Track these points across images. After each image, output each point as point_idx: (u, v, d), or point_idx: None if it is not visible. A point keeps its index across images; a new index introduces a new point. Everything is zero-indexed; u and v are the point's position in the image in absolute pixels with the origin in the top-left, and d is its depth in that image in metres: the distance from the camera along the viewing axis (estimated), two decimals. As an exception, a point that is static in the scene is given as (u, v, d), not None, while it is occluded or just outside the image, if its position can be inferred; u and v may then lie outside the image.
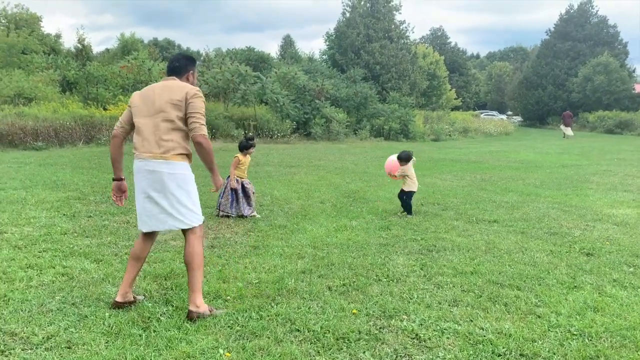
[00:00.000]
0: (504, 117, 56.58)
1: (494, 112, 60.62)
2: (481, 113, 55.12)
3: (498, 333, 3.37)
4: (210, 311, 3.52)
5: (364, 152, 18.42)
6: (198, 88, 3.60)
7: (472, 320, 3.56)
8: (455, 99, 53.79)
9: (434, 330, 3.40)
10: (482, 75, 75.71)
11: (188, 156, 3.58)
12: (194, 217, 3.57)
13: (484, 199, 8.48)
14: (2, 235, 5.39)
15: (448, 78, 52.48)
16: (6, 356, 2.91)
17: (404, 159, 7.30)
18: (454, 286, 4.25)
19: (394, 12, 40.12)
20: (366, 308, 3.72)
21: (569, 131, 31.07)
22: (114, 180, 3.89)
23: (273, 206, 7.52)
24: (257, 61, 34.23)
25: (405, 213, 7.11)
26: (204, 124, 3.49)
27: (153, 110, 3.50)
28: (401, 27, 40.63)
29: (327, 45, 42.23)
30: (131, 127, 3.70)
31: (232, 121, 21.57)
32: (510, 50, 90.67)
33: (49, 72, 24.15)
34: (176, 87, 3.52)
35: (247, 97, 22.60)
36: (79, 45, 34.51)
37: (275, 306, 3.72)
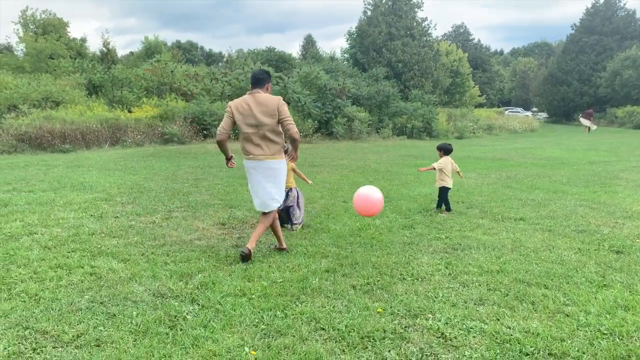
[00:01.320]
0: (528, 113, 55.78)
1: (519, 109, 59.80)
2: (505, 110, 54.45)
3: (525, 332, 3.32)
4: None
5: (386, 150, 18.34)
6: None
7: (498, 319, 3.52)
8: (479, 96, 53.18)
9: (460, 329, 3.37)
10: (506, 72, 74.67)
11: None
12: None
13: (509, 197, 8.36)
14: (32, 236, 5.51)
15: (471, 75, 51.93)
16: (38, 354, 2.98)
17: (446, 150, 7.57)
18: (479, 285, 4.20)
19: (416, 9, 39.85)
20: (391, 307, 3.70)
21: (587, 122, 32.07)
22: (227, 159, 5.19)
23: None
24: (278, 61, 34.32)
25: (445, 210, 7.12)
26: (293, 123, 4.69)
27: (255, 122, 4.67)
28: (423, 25, 40.33)
29: (349, 44, 42.17)
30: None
31: (255, 121, 21.66)
32: (534, 46, 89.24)
33: (75, 75, 24.63)
34: (270, 101, 4.70)
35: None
36: (104, 49, 35.15)
37: (299, 305, 3.73)
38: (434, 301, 3.83)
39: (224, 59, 53.45)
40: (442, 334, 3.30)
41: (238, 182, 9.61)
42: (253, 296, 3.87)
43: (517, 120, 36.97)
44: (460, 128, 28.65)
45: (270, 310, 3.62)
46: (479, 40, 66.95)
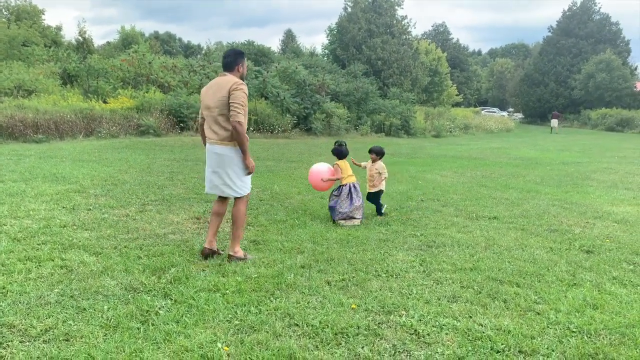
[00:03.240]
0: (504, 114, 56.59)
1: (495, 109, 60.62)
2: (482, 110, 55.11)
3: (497, 329, 3.36)
4: (245, 256, 4.64)
5: (364, 147, 18.33)
6: (242, 81, 4.49)
7: (471, 317, 3.56)
8: (456, 95, 53.71)
9: (433, 326, 3.40)
10: (483, 72, 75.63)
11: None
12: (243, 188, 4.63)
13: (484, 196, 8.47)
14: (1, 228, 5.37)
15: (449, 74, 52.40)
16: (4, 348, 2.91)
17: (382, 153, 7.01)
18: (453, 282, 4.24)
19: (396, 7, 39.99)
20: (365, 303, 3.71)
21: (555, 123, 36.15)
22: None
23: (273, 201, 7.50)
24: (257, 55, 34.13)
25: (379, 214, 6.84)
26: (241, 112, 4.34)
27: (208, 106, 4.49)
28: (403, 23, 40.51)
29: (329, 39, 42.16)
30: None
31: (233, 115, 21.52)
32: (512, 47, 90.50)
33: (49, 64, 24.08)
34: (224, 83, 4.38)
35: (248, 91, 22.56)
36: (80, 37, 34.45)
37: (274, 300, 3.71)
38: (408, 298, 3.86)
39: (203, 52, 52.93)
40: (415, 330, 3.32)
41: (214, 176, 9.54)
42: (227, 291, 3.84)
43: (493, 120, 37.46)
44: (438, 127, 28.89)
45: (244, 305, 3.60)
46: (457, 40, 67.57)
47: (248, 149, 4.50)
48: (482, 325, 3.42)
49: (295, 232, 5.73)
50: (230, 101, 4.31)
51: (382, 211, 6.83)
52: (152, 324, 3.24)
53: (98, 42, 49.43)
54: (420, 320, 3.47)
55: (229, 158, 4.48)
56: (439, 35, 65.42)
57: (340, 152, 6.65)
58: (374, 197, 6.93)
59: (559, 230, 6.22)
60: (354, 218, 6.28)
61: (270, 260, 4.66)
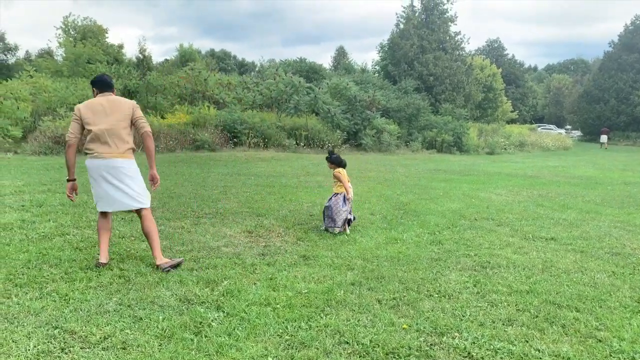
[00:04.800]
0: (562, 131, 54.73)
1: (552, 126, 58.75)
2: (538, 127, 53.55)
3: (555, 356, 3.23)
4: (171, 259, 4.77)
5: (415, 164, 18.21)
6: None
7: (527, 341, 3.43)
8: (511, 111, 52.47)
9: (487, 349, 3.29)
10: (539, 88, 73.53)
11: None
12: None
13: (541, 216, 8.19)
14: (64, 237, 5.64)
15: (504, 90, 51.29)
16: (66, 353, 3.03)
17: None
18: (508, 305, 4.11)
19: (449, 23, 39.64)
20: (417, 323, 3.65)
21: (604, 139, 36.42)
22: (69, 180, 5.04)
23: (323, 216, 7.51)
24: (308, 72, 34.55)
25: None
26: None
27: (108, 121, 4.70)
28: (456, 39, 40.08)
29: (380, 56, 42.18)
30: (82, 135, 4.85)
31: (284, 131, 21.84)
32: (570, 63, 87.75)
33: (112, 81, 25.17)
34: (121, 101, 4.79)
35: (300, 107, 22.85)
36: (140, 55, 35.94)
37: (324, 317, 3.71)
38: (461, 320, 3.76)
39: (256, 69, 54.08)
40: (469, 353, 3.23)
41: (266, 190, 9.67)
42: (278, 306, 3.87)
43: (550, 138, 36.30)
44: (492, 144, 28.27)
45: (295, 321, 3.61)
46: (513, 56, 66.18)
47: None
48: (539, 351, 3.29)
49: (345, 248, 5.72)
50: (136, 116, 4.79)
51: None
52: (205, 336, 3.30)
53: (157, 59, 51.49)
54: (474, 343, 3.38)
55: (132, 170, 4.82)
56: (494, 50, 64.29)
57: (340, 161, 6.75)
58: None
59: (622, 253, 5.93)
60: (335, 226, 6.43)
61: (320, 276, 4.66)
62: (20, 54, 48.77)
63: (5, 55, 48.45)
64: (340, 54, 57.34)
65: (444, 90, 36.93)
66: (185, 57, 40.18)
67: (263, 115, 22.17)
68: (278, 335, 3.38)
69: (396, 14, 40.35)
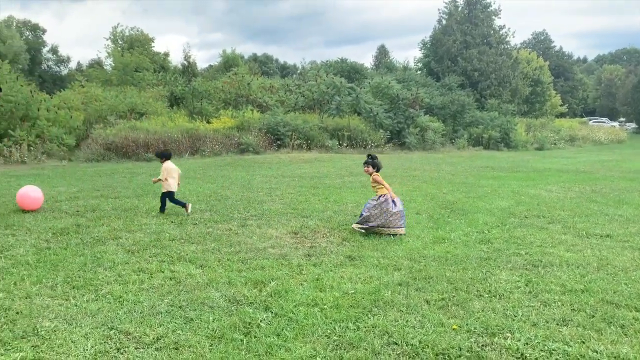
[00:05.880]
0: (615, 124, 52.54)
1: (604, 119, 56.49)
2: (589, 120, 51.62)
3: (614, 357, 3.10)
4: None
5: (461, 161, 17.88)
6: None
7: (583, 342, 3.31)
8: (560, 105, 50.74)
9: (541, 350, 3.19)
10: (590, 80, 70.78)
11: None
12: None
13: (594, 212, 7.88)
14: (117, 240, 5.83)
15: (552, 84, 49.66)
16: (121, 353, 3.13)
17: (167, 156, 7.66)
18: (562, 304, 3.97)
19: (493, 17, 38.74)
20: (467, 324, 3.57)
21: None
22: None
23: (368, 216, 7.47)
24: (350, 72, 34.48)
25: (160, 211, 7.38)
26: None
27: None
28: (501, 32, 39.11)
29: (422, 53, 41.65)
30: None
31: (327, 132, 21.89)
32: (622, 53, 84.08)
33: (158, 88, 25.94)
34: None
35: (342, 107, 22.84)
36: (185, 62, 36.79)
37: (372, 317, 3.68)
38: (513, 320, 3.66)
39: (298, 71, 54.45)
40: (522, 354, 3.14)
41: (310, 191, 9.71)
42: (325, 306, 3.87)
43: (602, 131, 34.93)
44: (540, 139, 27.43)
45: (342, 321, 3.60)
46: (560, 48, 63.97)
47: None
48: (597, 352, 3.16)
49: (391, 248, 5.67)
50: None
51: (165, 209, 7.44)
52: (255, 336, 3.34)
53: (201, 65, 52.59)
54: (527, 344, 3.28)
55: None
56: (540, 43, 62.35)
57: (379, 165, 6.70)
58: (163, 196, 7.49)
59: (685, 250, 5.63)
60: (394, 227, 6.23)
61: (367, 277, 4.64)
62: (72, 65, 50.80)
63: (59, 66, 50.61)
64: (382, 52, 56.94)
65: (489, 86, 36.10)
66: (229, 63, 40.81)
67: (305, 117, 22.29)
68: (326, 335, 3.38)
69: (438, 10, 39.79)
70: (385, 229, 6.24)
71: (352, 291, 4.23)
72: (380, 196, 6.43)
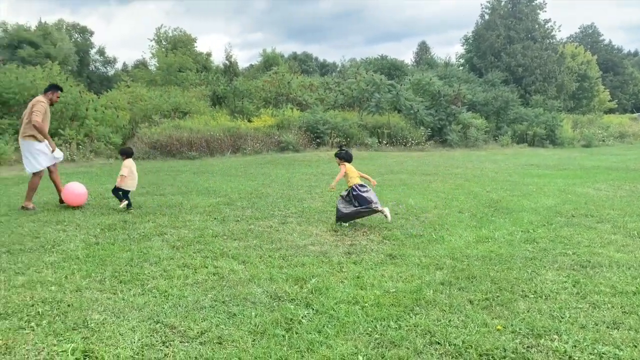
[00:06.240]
0: (669, 119, 50.25)
1: (657, 114, 54.12)
2: (640, 115, 49.58)
3: (670, 364, 2.97)
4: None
5: (505, 159, 17.50)
6: (42, 100, 7.75)
7: (636, 346, 3.18)
8: (609, 101, 48.99)
9: (590, 353, 3.09)
10: (641, 74, 67.92)
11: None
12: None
13: (647, 211, 7.57)
14: (162, 237, 5.98)
15: (601, 79, 47.96)
16: (167, 347, 3.20)
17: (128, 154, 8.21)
18: (612, 307, 3.83)
19: (538, 10, 37.73)
20: (512, 325, 3.50)
21: None
22: None
23: (409, 215, 7.42)
24: (390, 69, 34.23)
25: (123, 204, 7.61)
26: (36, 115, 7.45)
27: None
28: (546, 27, 38.07)
29: (465, 49, 40.97)
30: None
31: (366, 130, 21.80)
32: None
33: (201, 87, 26.44)
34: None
35: (381, 105, 22.70)
36: (227, 62, 37.35)
37: (413, 316, 3.65)
38: (560, 321, 3.56)
39: (337, 69, 54.43)
40: (570, 357, 3.05)
41: (350, 189, 9.69)
42: (366, 304, 3.86)
43: (655, 127, 33.47)
44: (588, 136, 26.54)
45: (384, 319, 3.58)
46: (610, 41, 61.70)
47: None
48: (651, 358, 3.04)
49: (432, 247, 5.60)
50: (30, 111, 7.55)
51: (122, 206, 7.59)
52: (296, 332, 3.37)
53: (242, 65, 53.25)
54: (575, 346, 3.19)
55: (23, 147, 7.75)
56: (588, 37, 60.32)
57: (350, 156, 7.20)
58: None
59: None
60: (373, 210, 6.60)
61: (408, 275, 4.60)
62: (118, 65, 52.38)
63: (106, 67, 52.28)
64: (422, 49, 56.32)
65: (534, 81, 35.21)
66: (269, 62, 41.20)
67: (345, 115, 22.27)
68: (367, 333, 3.37)
69: (481, 5, 38.99)
70: (364, 210, 6.57)
71: (393, 290, 4.20)
72: (348, 191, 6.75)
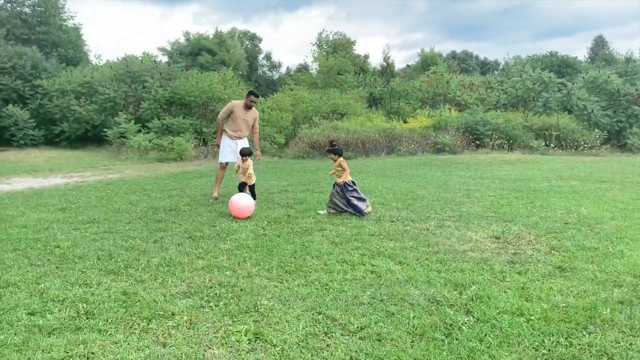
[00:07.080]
0: None
1: None
2: None
3: None
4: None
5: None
6: (235, 102, 8.73)
7: None
8: None
9: None
10: None
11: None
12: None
13: None
14: (322, 232, 6.24)
15: None
16: (329, 338, 3.35)
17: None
18: None
19: None
20: None
21: None
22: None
23: (580, 225, 6.79)
24: (560, 66, 31.60)
25: None
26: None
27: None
28: None
29: (651, 42, 36.25)
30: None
31: (532, 131, 20.43)
32: None
33: (358, 89, 27.03)
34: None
35: (549, 105, 21.09)
36: (384, 63, 37.67)
37: (587, 335, 3.35)
38: None
39: (500, 67, 51.82)
40: None
41: (512, 194, 9.18)
42: (532, 317, 3.63)
43: None
44: None
45: (552, 335, 3.34)
46: None
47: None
48: None
49: (609, 261, 5.07)
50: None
51: None
52: (456, 339, 3.29)
53: (399, 65, 53.21)
54: None
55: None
56: None
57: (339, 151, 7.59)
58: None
59: None
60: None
61: (580, 291, 4.22)
62: (282, 69, 55.68)
63: (272, 72, 55.88)
64: (599, 43, 51.12)
65: None
66: (427, 62, 40.63)
67: (508, 115, 21.11)
68: (534, 348, 3.18)
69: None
70: (353, 213, 7.20)
71: (563, 304, 3.89)
72: (342, 186, 7.29)
